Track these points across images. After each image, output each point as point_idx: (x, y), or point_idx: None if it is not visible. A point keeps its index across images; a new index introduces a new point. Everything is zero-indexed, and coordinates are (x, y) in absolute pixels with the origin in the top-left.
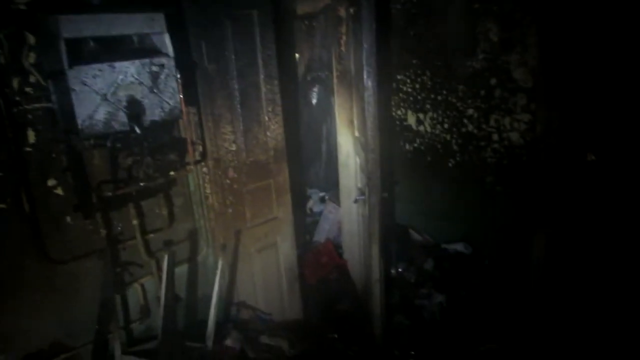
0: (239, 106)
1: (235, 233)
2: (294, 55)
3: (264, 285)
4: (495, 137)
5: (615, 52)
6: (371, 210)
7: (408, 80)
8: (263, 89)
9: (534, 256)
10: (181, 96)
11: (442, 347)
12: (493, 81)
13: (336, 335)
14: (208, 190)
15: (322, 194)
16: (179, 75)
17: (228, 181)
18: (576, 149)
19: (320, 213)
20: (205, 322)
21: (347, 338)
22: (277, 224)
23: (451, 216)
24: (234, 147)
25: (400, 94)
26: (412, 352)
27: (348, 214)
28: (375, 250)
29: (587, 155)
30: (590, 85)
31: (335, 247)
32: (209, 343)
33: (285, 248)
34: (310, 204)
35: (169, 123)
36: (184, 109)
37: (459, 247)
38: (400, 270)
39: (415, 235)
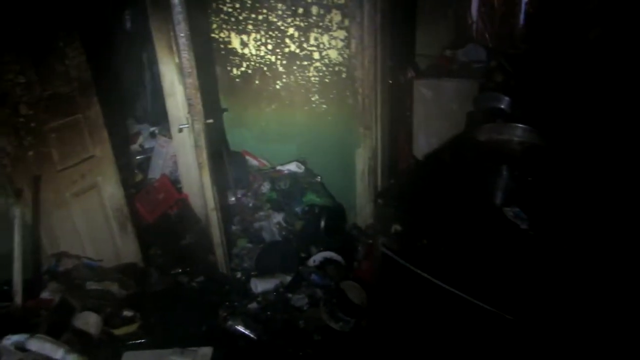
0: (21, 29)
1: (41, 178)
2: None
3: (90, 231)
4: (316, 55)
5: None
6: (197, 137)
7: None
8: (52, 8)
9: (359, 168)
10: None
11: (281, 261)
12: None
13: (180, 270)
14: None
15: (152, 129)
16: None
17: (22, 119)
18: (392, 67)
19: (152, 149)
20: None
21: (192, 271)
22: (95, 164)
23: (283, 137)
24: (22, 79)
25: (222, 15)
26: (253, 273)
27: (181, 146)
28: (207, 179)
29: (407, 71)
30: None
31: (173, 182)
32: (17, 299)
33: (110, 188)
34: (140, 140)
35: None
36: None
37: (292, 167)
38: (239, 196)
39: (252, 160)
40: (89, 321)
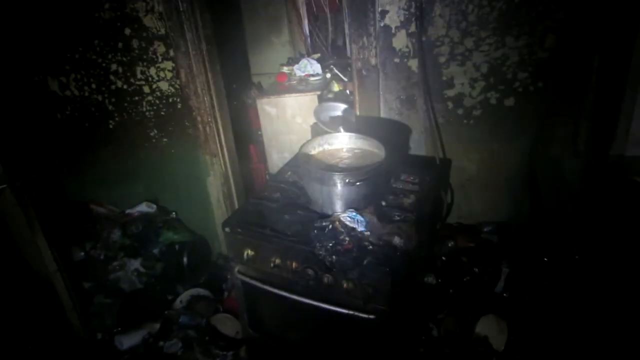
0: None
1: None
2: None
3: None
4: (146, 89)
5: None
6: (19, 197)
7: None
8: None
9: (213, 197)
10: None
11: (146, 310)
12: (127, 31)
13: (29, 348)
14: None
15: None
16: None
17: None
18: (235, 89)
19: None
20: None
21: (42, 346)
22: None
23: (128, 178)
24: None
25: (33, 57)
26: (117, 329)
27: (6, 207)
28: (42, 241)
29: (251, 91)
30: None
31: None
32: None
33: None
34: None
35: None
36: None
37: (143, 207)
38: (88, 250)
39: (98, 209)
40: None
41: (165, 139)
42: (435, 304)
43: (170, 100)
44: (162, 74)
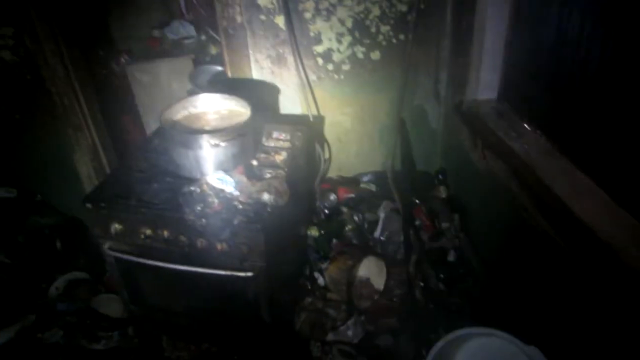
0: None
1: None
2: None
3: None
4: None
5: None
6: None
7: None
8: None
9: (83, 174)
10: None
11: (16, 303)
12: None
13: None
14: None
15: None
16: None
17: None
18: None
19: None
20: None
21: None
22: None
23: None
24: None
25: None
26: None
27: None
28: None
29: (120, 57)
30: None
31: None
32: None
33: None
34: None
35: None
36: None
37: (1, 193)
38: None
39: None
40: None
41: (17, 115)
42: (319, 255)
43: (17, 70)
44: (1, 42)
